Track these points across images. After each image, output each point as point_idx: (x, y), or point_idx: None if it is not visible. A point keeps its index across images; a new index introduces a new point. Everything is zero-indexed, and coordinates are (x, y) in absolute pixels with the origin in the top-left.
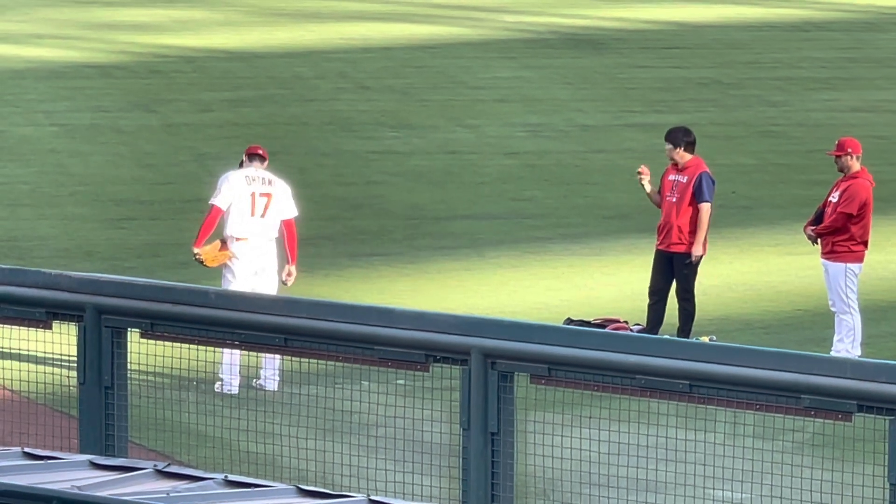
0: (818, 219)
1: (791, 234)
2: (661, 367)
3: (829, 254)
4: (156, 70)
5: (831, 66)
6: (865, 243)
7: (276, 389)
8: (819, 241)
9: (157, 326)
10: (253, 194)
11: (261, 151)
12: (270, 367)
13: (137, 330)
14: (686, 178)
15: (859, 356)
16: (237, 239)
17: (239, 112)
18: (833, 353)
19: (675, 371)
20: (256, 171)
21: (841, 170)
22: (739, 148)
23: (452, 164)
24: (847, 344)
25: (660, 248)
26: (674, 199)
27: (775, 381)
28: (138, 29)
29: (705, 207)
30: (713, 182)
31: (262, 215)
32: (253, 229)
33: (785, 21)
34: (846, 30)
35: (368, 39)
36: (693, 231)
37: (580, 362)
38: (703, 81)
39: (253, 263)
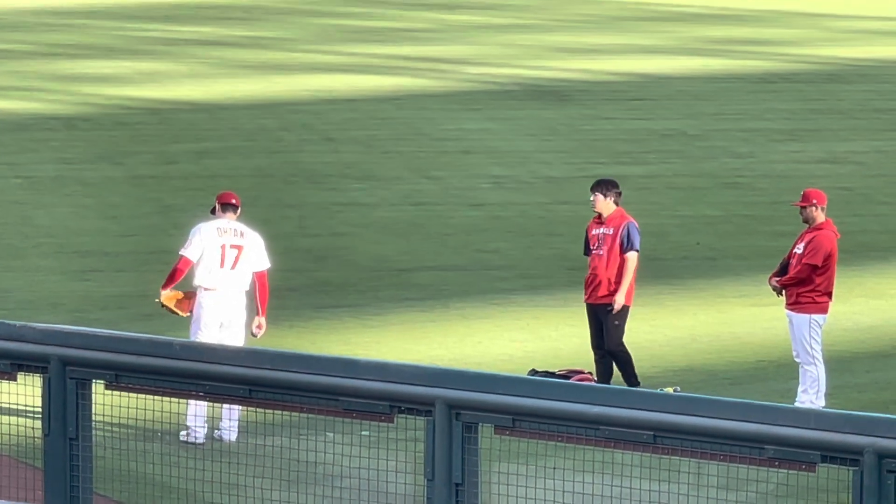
0: (783, 270)
1: (756, 285)
2: (624, 417)
3: (794, 305)
4: (121, 122)
5: (796, 118)
6: (830, 294)
7: (234, 440)
8: (784, 292)
9: (122, 378)
10: (223, 246)
11: (234, 201)
12: (227, 417)
13: (102, 381)
14: (612, 229)
15: (823, 407)
16: (205, 289)
17: (204, 164)
18: (797, 404)
19: (639, 422)
20: (229, 222)
21: (805, 221)
22: (704, 199)
23: (417, 216)
24: (811, 395)
25: (588, 301)
26: (601, 253)
27: (739, 432)
28: (103, 81)
29: (632, 256)
30: (639, 232)
31: (233, 267)
32: (222, 281)
33: (749, 73)
34: (810, 81)
35: (333, 91)
36: (620, 281)
37: (544, 413)
38: (667, 133)
39: (220, 315)
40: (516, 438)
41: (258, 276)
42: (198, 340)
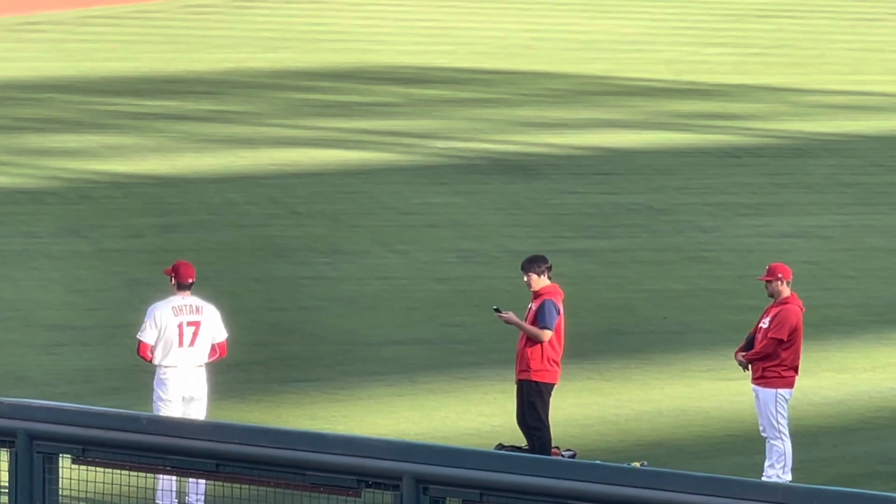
0: (749, 344)
1: (722, 359)
2: (593, 492)
3: (760, 379)
4: (86, 196)
5: (762, 192)
6: (796, 369)
7: None
8: (750, 366)
9: (89, 452)
10: (181, 325)
11: (190, 280)
12: (194, 491)
13: (69, 455)
14: (535, 305)
15: (790, 482)
16: (165, 367)
17: (169, 238)
18: (764, 479)
19: (608, 496)
20: (184, 298)
21: (771, 295)
22: (670, 273)
23: (383, 290)
24: (778, 469)
25: (516, 377)
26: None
27: None
28: (69, 155)
29: (544, 334)
30: (557, 311)
31: (191, 344)
32: (182, 359)
33: (715, 147)
34: (776, 156)
35: (300, 165)
36: (538, 358)
37: (512, 488)
38: (633, 207)
39: (182, 391)
40: None
41: (219, 346)
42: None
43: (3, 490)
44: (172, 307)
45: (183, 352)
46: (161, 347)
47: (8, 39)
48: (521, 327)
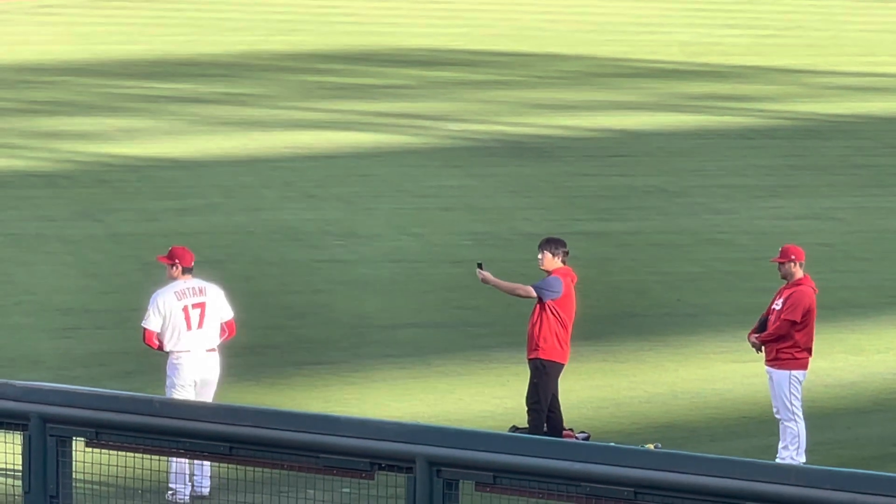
0: (762, 326)
1: (737, 341)
2: (605, 474)
3: (774, 361)
4: (101, 179)
5: (776, 174)
6: (809, 350)
7: (207, 494)
8: (763, 348)
9: (103, 435)
10: (185, 308)
11: (191, 264)
12: (199, 472)
13: (83, 439)
14: None
15: (804, 463)
16: (178, 352)
17: (184, 221)
18: (778, 461)
19: (620, 479)
20: (185, 282)
21: (784, 277)
22: (684, 256)
23: (397, 273)
24: (792, 451)
25: (527, 357)
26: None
27: (721, 489)
28: (83, 138)
29: (527, 289)
30: (557, 289)
31: (199, 326)
32: (193, 342)
33: (729, 129)
34: (790, 138)
35: (314, 148)
36: (546, 338)
37: (525, 470)
38: (647, 189)
39: (196, 374)
40: (497, 495)
41: (227, 325)
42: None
43: (17, 473)
44: (175, 292)
45: (193, 335)
46: (170, 334)
47: (22, 22)
48: (497, 286)
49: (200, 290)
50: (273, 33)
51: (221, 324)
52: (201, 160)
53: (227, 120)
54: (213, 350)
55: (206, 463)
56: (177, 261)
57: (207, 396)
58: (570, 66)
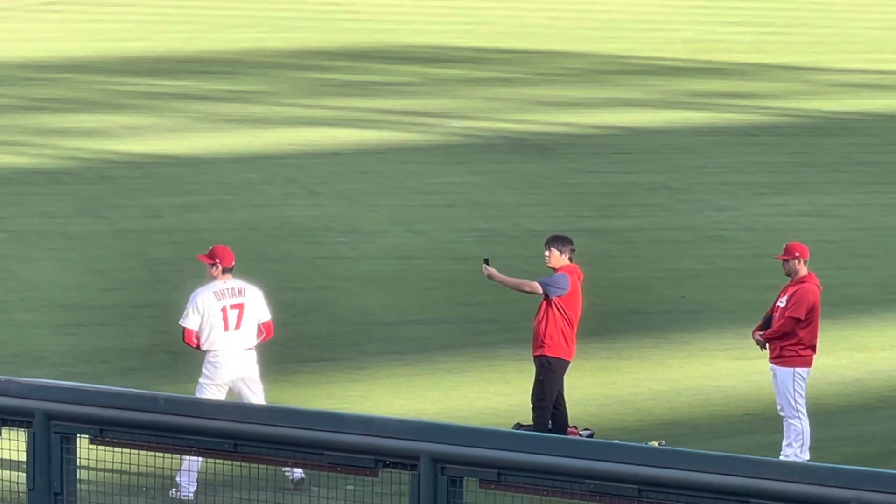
0: (766, 324)
1: (740, 338)
2: (609, 471)
3: (778, 358)
4: (104, 176)
5: (779, 171)
6: (813, 348)
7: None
8: (767, 345)
9: (107, 432)
10: (224, 309)
11: (232, 264)
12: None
13: (87, 436)
14: None
15: (808, 460)
16: (215, 351)
17: (187, 218)
18: (782, 458)
19: (624, 476)
20: (225, 283)
21: (788, 274)
22: (688, 252)
23: (401, 269)
24: (796, 448)
25: (533, 354)
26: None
27: (724, 486)
28: (86, 135)
29: (533, 284)
30: (564, 286)
31: (237, 327)
32: (229, 342)
33: (733, 126)
34: (794, 135)
35: (317, 145)
36: (551, 335)
37: (529, 467)
38: (651, 186)
39: (231, 374)
40: (501, 492)
41: (264, 326)
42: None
43: (21, 470)
44: (214, 292)
45: (229, 336)
46: (207, 333)
47: (26, 19)
48: (503, 282)
49: (240, 291)
50: (277, 30)
51: (259, 325)
52: (205, 157)
53: (231, 117)
54: (249, 350)
55: (196, 460)
56: (217, 260)
57: (252, 394)
58: (573, 63)
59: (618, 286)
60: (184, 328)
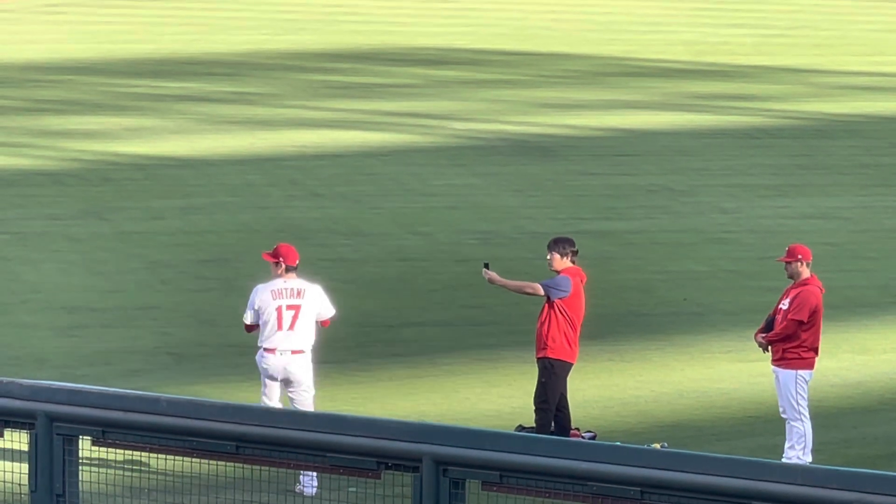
0: (768, 326)
1: (742, 340)
2: (612, 473)
3: (780, 361)
4: (107, 178)
5: (782, 174)
6: (816, 350)
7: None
8: (770, 348)
9: (109, 434)
10: (280, 308)
11: (295, 263)
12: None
13: (89, 437)
14: None
15: (810, 463)
16: (266, 350)
17: (190, 219)
18: (784, 460)
19: (627, 478)
20: (285, 282)
21: (791, 276)
22: (690, 255)
23: (404, 272)
24: (798, 451)
25: (536, 357)
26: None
27: (727, 488)
28: (89, 137)
29: (534, 286)
30: (566, 288)
31: (290, 328)
32: (281, 342)
33: (735, 128)
34: (797, 137)
35: (320, 147)
36: (554, 337)
37: (532, 469)
38: (653, 188)
39: (282, 374)
40: (504, 494)
41: (323, 322)
42: (263, 397)
43: (23, 471)
44: (272, 290)
45: (282, 335)
46: (262, 329)
47: (29, 21)
48: (505, 286)
49: (299, 293)
50: (279, 32)
51: (318, 322)
52: (208, 159)
53: (234, 119)
54: (299, 352)
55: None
56: (281, 259)
57: (300, 398)
58: (575, 65)
59: (620, 288)
60: (245, 323)
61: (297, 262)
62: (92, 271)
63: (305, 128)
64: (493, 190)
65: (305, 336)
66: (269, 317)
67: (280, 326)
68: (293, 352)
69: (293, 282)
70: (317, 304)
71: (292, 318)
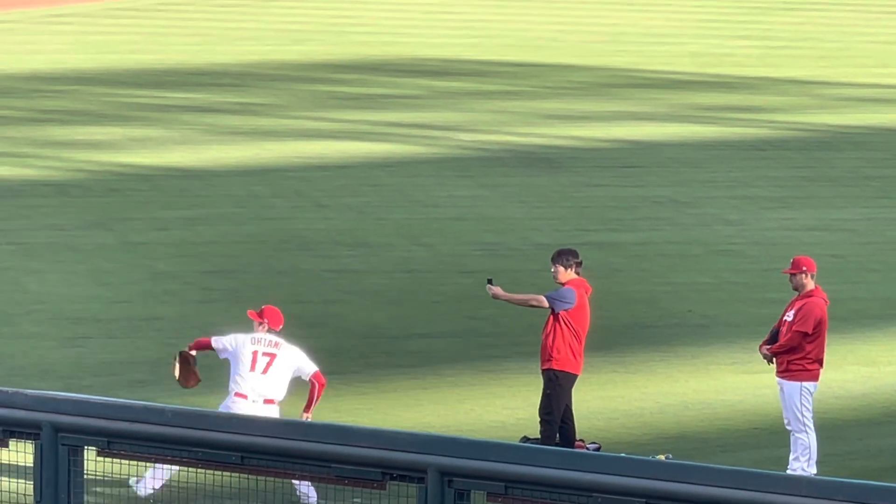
0: (773, 338)
1: (747, 352)
2: (617, 485)
3: (785, 372)
4: (112, 188)
5: (787, 185)
6: (820, 362)
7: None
8: (774, 359)
9: (114, 444)
10: (255, 352)
11: (280, 327)
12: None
13: (94, 448)
14: None
15: (815, 475)
16: (236, 394)
17: (195, 230)
18: (789, 472)
19: (632, 489)
20: (264, 334)
21: (795, 288)
22: (695, 266)
23: (409, 283)
24: (803, 462)
25: (541, 368)
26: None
27: (732, 500)
28: (94, 147)
29: (539, 298)
30: (571, 300)
31: (263, 372)
32: (252, 386)
33: (740, 140)
34: (802, 149)
35: (325, 158)
36: (559, 348)
37: (537, 480)
38: (658, 200)
39: None
40: None
41: (314, 378)
42: None
43: (28, 481)
44: (251, 337)
45: (254, 378)
46: (233, 371)
47: (33, 31)
48: (509, 300)
49: (276, 344)
50: (285, 43)
51: (311, 380)
52: (213, 170)
53: (239, 129)
54: (271, 402)
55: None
56: (265, 320)
57: None
58: (581, 76)
59: (625, 300)
60: (209, 338)
61: (281, 326)
62: (97, 282)
63: (311, 138)
64: (499, 201)
65: (278, 386)
66: (244, 358)
67: (253, 368)
68: (266, 400)
69: (271, 335)
70: (294, 361)
71: (266, 364)
